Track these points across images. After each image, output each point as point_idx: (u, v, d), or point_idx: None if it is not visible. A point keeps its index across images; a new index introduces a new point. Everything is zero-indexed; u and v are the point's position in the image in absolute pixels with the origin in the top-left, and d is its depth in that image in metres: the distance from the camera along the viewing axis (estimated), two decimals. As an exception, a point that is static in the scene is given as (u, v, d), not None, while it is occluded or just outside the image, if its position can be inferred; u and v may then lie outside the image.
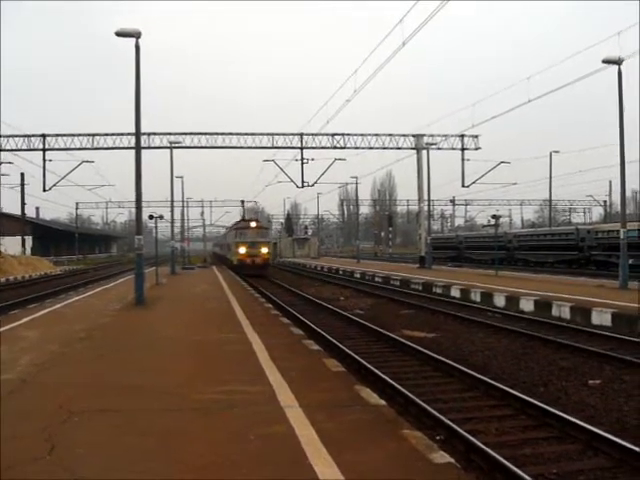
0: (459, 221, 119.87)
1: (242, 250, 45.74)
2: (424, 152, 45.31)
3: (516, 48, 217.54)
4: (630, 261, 27.55)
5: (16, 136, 43.82)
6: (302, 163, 45.62)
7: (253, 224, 48.58)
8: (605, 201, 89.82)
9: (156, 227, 39.96)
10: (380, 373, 11.40)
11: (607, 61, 24.72)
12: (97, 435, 6.67)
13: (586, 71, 27.36)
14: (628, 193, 24.81)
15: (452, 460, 5.97)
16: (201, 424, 7.04)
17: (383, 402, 8.04)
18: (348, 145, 45.99)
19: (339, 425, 6.91)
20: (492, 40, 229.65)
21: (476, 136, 46.37)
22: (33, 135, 43.88)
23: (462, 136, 46.24)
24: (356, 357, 12.99)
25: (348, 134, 45.94)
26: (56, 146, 43.89)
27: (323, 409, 7.52)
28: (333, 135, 45.67)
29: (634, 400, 9.88)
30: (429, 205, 48.10)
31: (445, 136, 46.50)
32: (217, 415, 7.41)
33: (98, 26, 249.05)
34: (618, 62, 24.51)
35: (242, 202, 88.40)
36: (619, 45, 24.45)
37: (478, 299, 24.33)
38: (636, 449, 7.22)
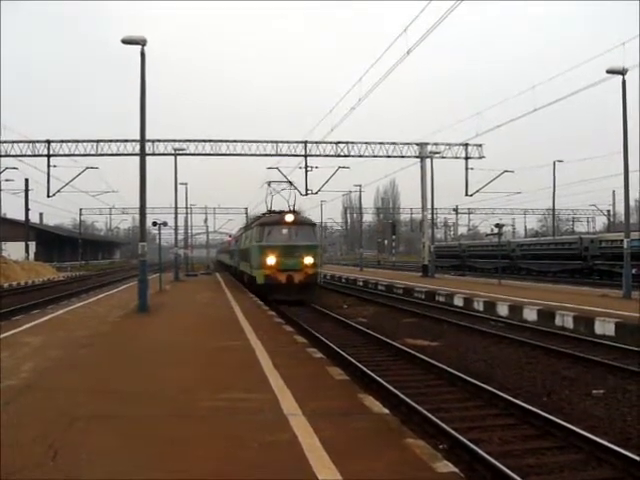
0: (462, 230, 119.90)
1: (271, 260, 27.82)
2: (428, 161, 45.30)
3: (520, 58, 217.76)
4: (633, 271, 27.50)
5: (21, 142, 43.96)
6: (306, 171, 45.64)
7: (290, 217, 29.36)
8: (609, 210, 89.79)
9: (159, 234, 40.02)
10: (383, 381, 11.39)
11: (611, 71, 24.78)
12: (100, 441, 6.66)
13: (591, 81, 27.45)
14: (632, 203, 24.81)
15: (456, 470, 5.95)
16: (204, 431, 7.02)
17: (386, 411, 8.03)
18: (352, 153, 46.01)
19: (343, 433, 6.90)
20: (497, 48, 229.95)
21: (480, 145, 46.45)
22: (38, 141, 44.02)
23: (466, 145, 46.29)
24: (359, 365, 12.99)
25: (352, 142, 45.99)
26: (60, 152, 44.01)
27: (326, 417, 7.50)
28: (337, 143, 45.72)
29: (638, 410, 9.85)
30: (432, 213, 48.00)
31: (449, 145, 46.55)
32: (220, 422, 7.40)
33: (103, 32, 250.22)
34: (622, 72, 24.56)
35: (246, 209, 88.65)
36: (623, 55, 24.50)
37: (481, 308, 24.29)
38: (640, 460, 7.20)
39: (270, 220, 30.16)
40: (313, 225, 31.35)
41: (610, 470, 7.37)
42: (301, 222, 30.06)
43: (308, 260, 27.98)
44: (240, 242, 42.08)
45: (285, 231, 28.88)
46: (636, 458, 7.26)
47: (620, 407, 10.12)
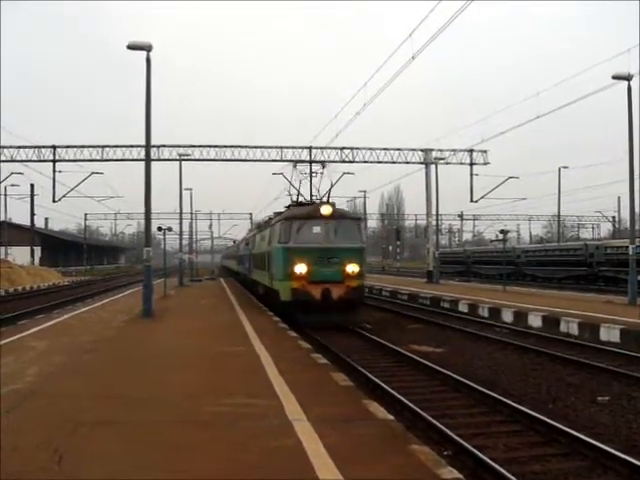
0: (467, 236, 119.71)
1: (301, 268, 20.94)
2: (433, 167, 45.30)
3: (526, 64, 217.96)
4: (639, 277, 27.42)
5: (26, 147, 44.14)
6: (311, 176, 45.62)
7: (327, 209, 21.87)
8: (614, 217, 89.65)
9: (164, 239, 40.06)
10: (388, 387, 11.38)
11: (617, 77, 24.78)
12: (104, 446, 6.66)
13: (597, 87, 27.46)
14: (637, 209, 24.70)
15: (460, 476, 5.93)
16: (208, 437, 7.02)
17: (391, 417, 8.01)
18: (357, 159, 46.05)
19: (347, 439, 6.89)
20: (503, 55, 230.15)
21: (485, 151, 46.44)
22: (43, 146, 44.22)
23: (471, 151, 46.29)
24: (364, 371, 12.98)
25: (357, 148, 46.02)
26: (66, 157, 44.19)
27: (331, 423, 7.49)
28: (342, 149, 45.76)
29: (643, 417, 9.82)
30: (437, 219, 47.99)
31: (454, 151, 46.54)
32: (224, 428, 7.39)
33: (105, 33, 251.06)
34: (628, 78, 24.56)
35: (250, 215, 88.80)
36: (629, 61, 24.54)
37: (486, 314, 24.24)
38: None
39: (300, 213, 21.99)
40: (358, 220, 23.27)
41: (615, 477, 7.35)
42: (342, 216, 22.26)
43: (352, 268, 20.62)
44: (252, 245, 33.88)
45: (320, 228, 21.23)
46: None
47: (625, 414, 10.09)
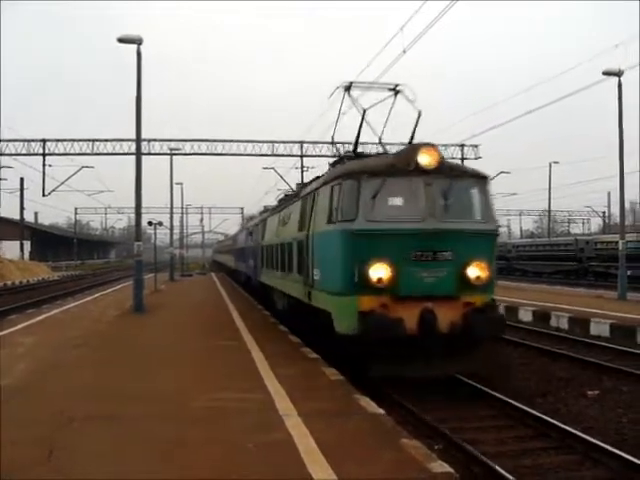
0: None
1: (380, 272, 10.51)
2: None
3: (516, 59, 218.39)
4: (628, 272, 27.56)
5: (16, 141, 43.78)
6: (302, 171, 45.61)
7: (429, 155, 11.06)
8: (604, 212, 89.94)
9: (155, 233, 39.94)
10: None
11: (607, 73, 24.82)
12: (96, 442, 6.64)
13: (588, 82, 27.46)
14: (627, 204, 24.82)
15: (451, 470, 5.95)
16: (199, 432, 7.00)
17: (382, 411, 8.02)
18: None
19: (338, 434, 6.89)
20: (493, 51, 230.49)
21: (476, 146, 46.46)
22: (33, 140, 43.85)
23: (462, 146, 46.31)
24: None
25: (348, 142, 45.77)
26: (56, 151, 43.88)
27: (322, 418, 7.49)
28: (333, 143, 45.59)
29: (633, 411, 9.87)
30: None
31: (445, 145, 46.52)
32: (215, 423, 7.37)
33: (100, 30, 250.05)
34: (618, 74, 24.61)
35: (241, 209, 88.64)
36: (621, 56, 24.59)
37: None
38: (635, 460, 7.22)
39: (376, 165, 11.68)
40: (484, 181, 11.99)
41: (605, 471, 7.38)
42: (456, 171, 11.87)
43: (476, 272, 11.07)
44: (261, 233, 23.70)
45: (417, 193, 11.23)
46: (631, 459, 7.28)
47: (615, 408, 10.14)
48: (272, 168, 47.60)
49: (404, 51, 24.81)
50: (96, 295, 30.64)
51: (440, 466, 5.92)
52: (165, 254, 71.71)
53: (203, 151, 45.69)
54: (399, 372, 10.44)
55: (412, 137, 13.52)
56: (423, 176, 10.91)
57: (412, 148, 11.36)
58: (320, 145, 45.33)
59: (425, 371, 10.48)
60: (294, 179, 46.67)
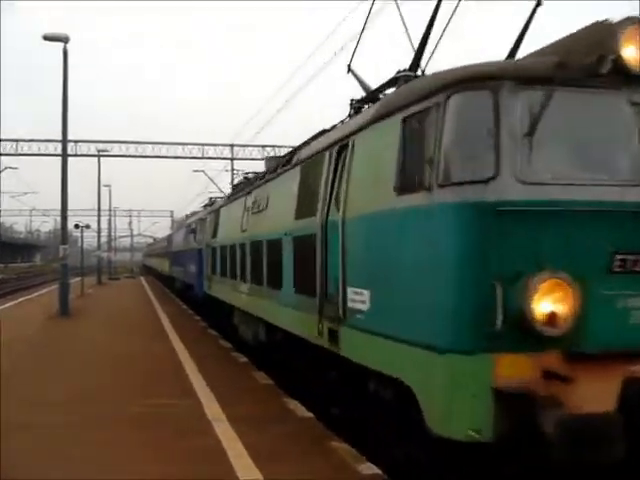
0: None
1: (551, 301, 4.42)
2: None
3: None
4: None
5: None
6: (232, 174, 45.36)
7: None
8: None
9: (82, 237, 39.11)
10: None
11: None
12: (29, 448, 6.48)
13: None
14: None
15: (379, 471, 6.01)
16: (128, 438, 6.91)
17: (311, 415, 8.05)
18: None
19: (268, 438, 6.89)
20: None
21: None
22: (-49, 139, 42.36)
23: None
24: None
25: (280, 146, 45.85)
26: (-24, 151, 42.50)
27: (251, 422, 7.47)
28: (264, 147, 45.56)
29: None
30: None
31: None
32: (144, 429, 7.28)
33: (22, 25, 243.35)
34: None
35: (171, 212, 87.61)
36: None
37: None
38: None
39: (533, 67, 4.92)
40: None
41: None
42: None
43: None
44: (210, 229, 17.62)
45: (621, 121, 4.84)
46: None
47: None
48: (202, 171, 47.19)
49: (342, 48, 24.79)
50: (20, 299, 29.76)
51: (368, 468, 5.99)
52: (92, 257, 70.25)
53: (132, 153, 45.01)
54: None
55: (520, 38, 7.09)
56: (633, 88, 4.90)
57: (605, 29, 4.89)
58: (250, 148, 45.25)
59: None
60: (226, 182, 46.40)
